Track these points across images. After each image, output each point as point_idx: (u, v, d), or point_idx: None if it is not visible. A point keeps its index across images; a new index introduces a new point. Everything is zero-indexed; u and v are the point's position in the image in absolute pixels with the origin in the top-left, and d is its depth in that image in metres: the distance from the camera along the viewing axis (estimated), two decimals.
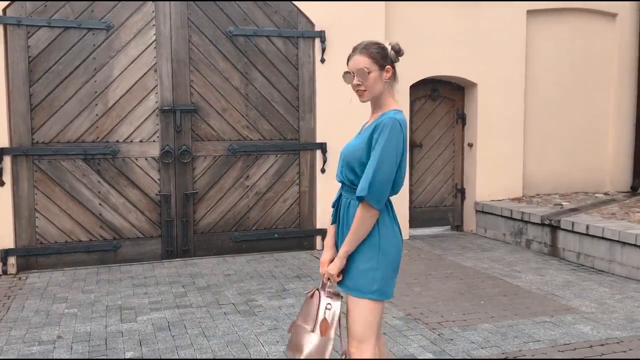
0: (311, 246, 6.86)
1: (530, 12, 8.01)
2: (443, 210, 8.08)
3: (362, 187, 2.41)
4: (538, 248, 6.86)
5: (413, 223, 7.73)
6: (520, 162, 8.07)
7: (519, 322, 4.43)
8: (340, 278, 2.55)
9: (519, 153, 8.05)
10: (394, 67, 2.56)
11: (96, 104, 6.08)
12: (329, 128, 6.77)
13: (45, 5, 5.85)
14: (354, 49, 2.56)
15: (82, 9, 5.96)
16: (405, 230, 7.49)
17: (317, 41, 6.68)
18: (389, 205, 2.57)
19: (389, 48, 2.54)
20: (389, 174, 2.41)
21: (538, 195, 8.23)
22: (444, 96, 7.96)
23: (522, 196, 8.08)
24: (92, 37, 6.01)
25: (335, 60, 6.70)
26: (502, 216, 7.41)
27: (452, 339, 4.09)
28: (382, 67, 2.51)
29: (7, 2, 5.71)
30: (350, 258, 2.51)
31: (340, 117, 6.75)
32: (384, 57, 2.52)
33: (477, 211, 7.89)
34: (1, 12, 5.70)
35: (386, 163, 2.39)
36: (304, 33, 6.65)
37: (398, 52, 2.57)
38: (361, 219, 2.44)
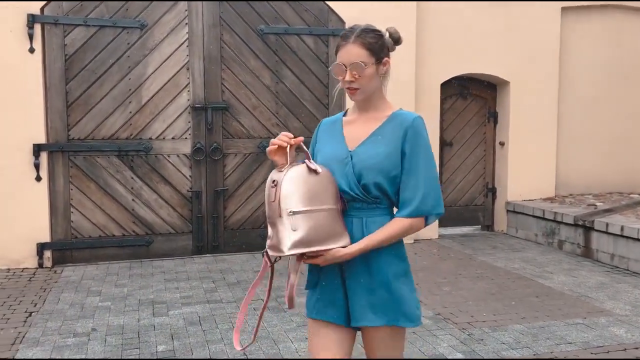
0: None
1: (565, 9, 7.87)
2: (473, 209, 8.00)
3: (434, 204, 2.07)
4: (571, 249, 6.74)
5: (443, 222, 7.67)
6: (553, 162, 7.94)
7: (551, 324, 4.37)
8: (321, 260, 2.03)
9: (552, 152, 7.92)
10: (390, 59, 2.16)
11: (130, 102, 6.18)
12: None
13: (81, 5, 5.97)
14: (345, 37, 2.09)
15: (117, 7, 6.07)
16: (435, 229, 7.44)
17: None
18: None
19: (387, 35, 2.13)
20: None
21: (571, 195, 8.09)
22: (475, 94, 7.87)
23: (555, 196, 7.95)
24: (126, 35, 6.11)
25: None
26: (534, 216, 7.30)
27: (482, 339, 4.06)
28: (379, 60, 2.09)
29: (45, 2, 5.84)
30: (387, 281, 2.09)
31: None
32: (381, 47, 2.10)
33: (508, 211, 7.79)
34: (39, 11, 5.83)
35: (430, 167, 2.09)
36: (335, 31, 6.65)
37: (397, 40, 2.15)
38: (406, 230, 2.07)
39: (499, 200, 7.94)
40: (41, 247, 5.90)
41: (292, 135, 2.01)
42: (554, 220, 6.96)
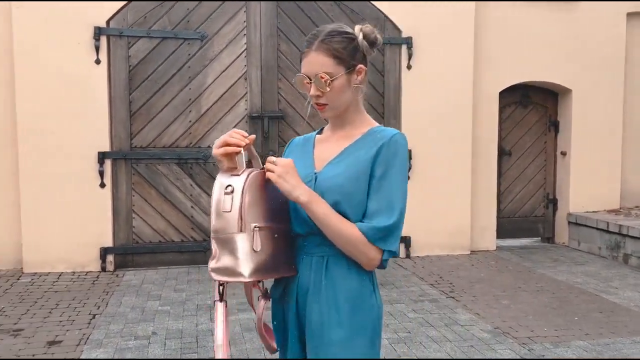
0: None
1: (630, 15, 7.58)
2: (533, 220, 7.77)
3: (383, 228, 1.65)
4: (637, 263, 6.45)
5: (500, 233, 7.49)
6: (618, 172, 7.64)
7: (617, 341, 4.18)
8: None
9: (617, 162, 7.62)
10: (366, 65, 1.78)
11: (190, 111, 6.34)
12: (414, 135, 6.69)
13: (145, 17, 6.17)
14: (308, 42, 1.74)
15: (178, 19, 6.25)
16: (492, 241, 7.27)
17: (404, 48, 6.64)
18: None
19: (360, 36, 1.75)
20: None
21: (637, 207, 7.75)
22: (536, 102, 7.67)
23: (620, 208, 7.64)
24: (187, 46, 6.28)
25: (422, 66, 6.64)
26: (597, 229, 7.03)
27: (543, 355, 3.93)
28: (350, 68, 1.73)
29: (111, 15, 6.07)
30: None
31: (426, 124, 6.67)
32: (352, 52, 1.73)
33: (570, 223, 7.53)
34: (105, 24, 6.07)
35: (405, 196, 1.72)
36: (391, 40, 6.63)
37: (373, 42, 1.77)
38: (354, 240, 1.66)
39: (560, 212, 7.69)
40: (104, 252, 6.10)
41: (246, 134, 1.66)
42: (619, 233, 6.68)
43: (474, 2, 6.86)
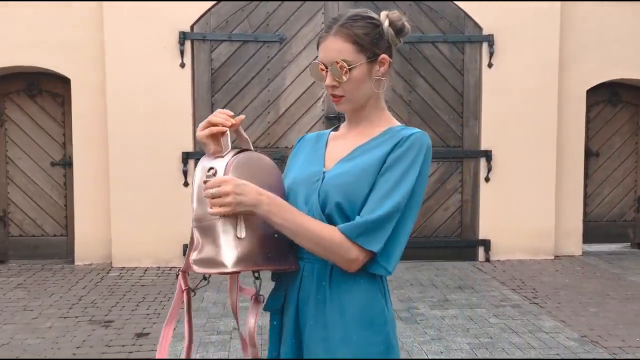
0: (472, 257, 6.65)
1: None
2: (622, 225, 7.37)
3: (363, 222, 1.44)
4: None
5: (587, 238, 7.15)
6: None
7: None
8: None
9: None
10: (391, 56, 1.59)
11: (268, 112, 6.46)
12: (495, 135, 6.53)
13: (227, 21, 6.35)
14: (328, 26, 1.56)
15: (258, 23, 6.38)
16: (579, 245, 6.96)
17: (485, 45, 6.48)
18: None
19: (386, 23, 1.55)
20: (413, 222, 1.52)
21: None
22: (626, 101, 7.27)
23: None
24: (266, 49, 6.40)
25: (504, 64, 6.45)
26: None
27: None
28: (372, 57, 1.54)
29: (195, 20, 6.29)
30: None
31: (507, 124, 6.48)
32: (376, 39, 1.54)
33: None
34: (189, 28, 6.29)
35: (417, 203, 1.51)
36: (471, 37, 6.49)
37: (400, 30, 1.57)
38: (327, 242, 1.44)
39: None
40: (187, 248, 6.30)
41: (232, 113, 1.50)
42: None
43: (559, 2, 6.58)
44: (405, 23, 1.57)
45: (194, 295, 1.56)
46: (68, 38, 6.24)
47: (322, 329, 1.51)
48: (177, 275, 1.54)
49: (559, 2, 6.58)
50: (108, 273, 6.03)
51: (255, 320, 1.54)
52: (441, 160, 6.60)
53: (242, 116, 1.51)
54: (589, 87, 6.86)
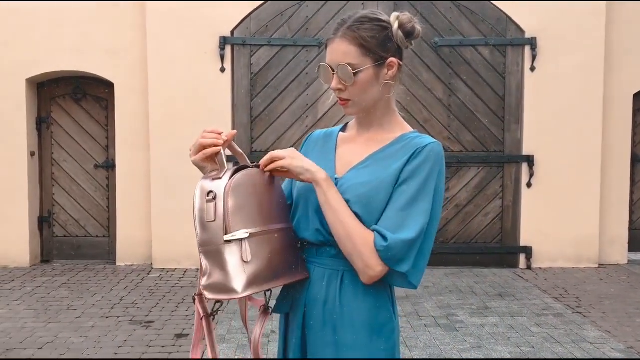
0: (513, 264, 6.52)
1: None
2: None
3: (413, 265, 1.48)
4: None
5: (633, 246, 6.93)
6: None
7: None
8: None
9: None
10: (401, 59, 1.55)
11: (307, 116, 6.48)
12: (537, 140, 6.39)
13: (267, 26, 6.40)
14: (336, 28, 1.54)
15: (298, 27, 6.41)
16: (624, 254, 6.75)
17: (527, 49, 6.36)
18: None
19: (395, 26, 1.51)
20: (435, 234, 1.56)
21: None
22: None
23: None
24: (305, 53, 6.43)
25: (547, 68, 6.32)
26: None
27: None
28: (379, 61, 1.50)
29: (235, 25, 6.36)
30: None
31: (550, 128, 6.35)
32: (383, 42, 1.50)
33: None
34: (229, 33, 6.36)
35: (437, 216, 1.54)
36: (513, 41, 6.37)
37: (410, 33, 1.53)
38: (360, 243, 1.45)
39: None
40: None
41: (221, 131, 1.48)
42: None
43: (604, 3, 6.41)
44: (416, 25, 1.53)
45: (214, 319, 1.55)
46: (112, 44, 6.39)
47: (332, 333, 1.51)
48: (194, 299, 1.52)
49: (604, 3, 6.41)
50: (149, 274, 6.14)
51: (261, 332, 1.54)
52: (481, 165, 6.50)
53: (234, 131, 1.50)
54: (636, 91, 6.67)
